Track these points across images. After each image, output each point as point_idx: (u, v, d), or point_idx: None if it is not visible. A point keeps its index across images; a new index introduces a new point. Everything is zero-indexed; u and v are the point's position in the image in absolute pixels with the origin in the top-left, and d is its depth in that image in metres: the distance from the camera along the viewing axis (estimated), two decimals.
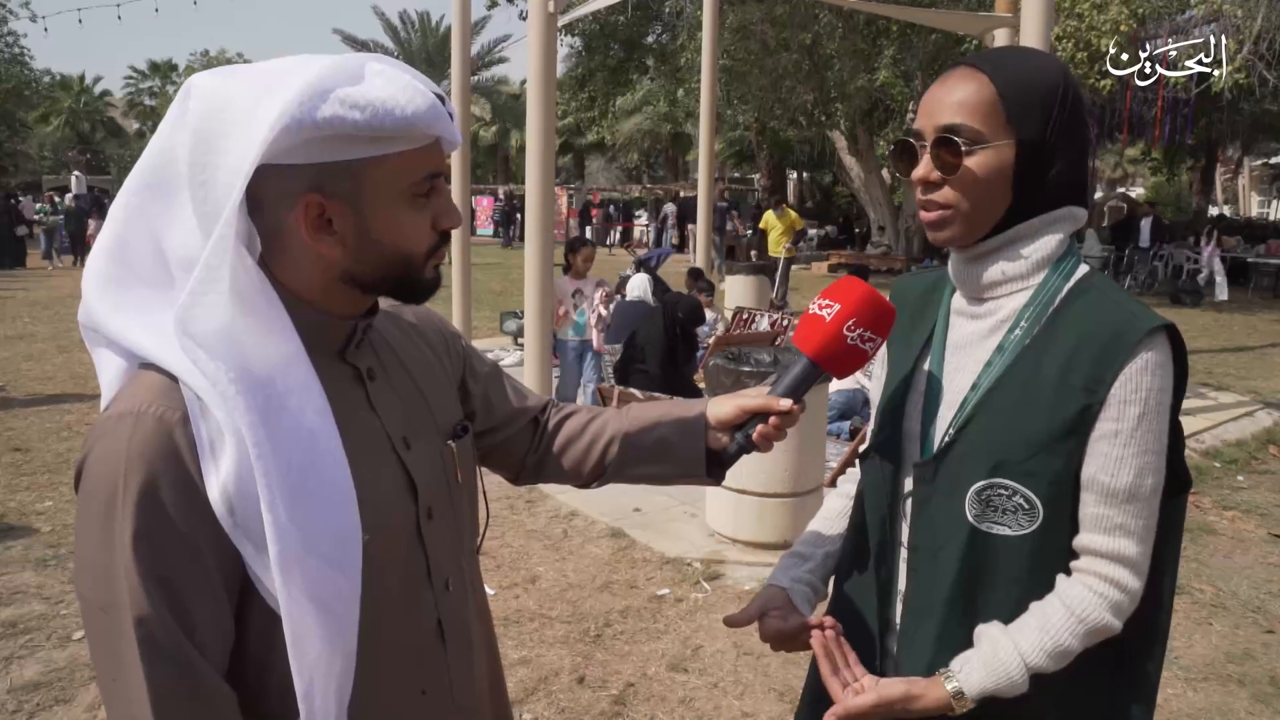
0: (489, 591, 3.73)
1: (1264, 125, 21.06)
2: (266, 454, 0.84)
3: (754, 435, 1.16)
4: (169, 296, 0.91)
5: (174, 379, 0.87)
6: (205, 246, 0.86)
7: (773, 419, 1.15)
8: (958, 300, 1.21)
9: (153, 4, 13.67)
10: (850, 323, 1.12)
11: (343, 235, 0.92)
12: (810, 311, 1.16)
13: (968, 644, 1.13)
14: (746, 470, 4.20)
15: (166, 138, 0.92)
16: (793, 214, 13.61)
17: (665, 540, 4.35)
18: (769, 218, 13.68)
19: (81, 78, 44.73)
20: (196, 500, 0.85)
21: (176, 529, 0.84)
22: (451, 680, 1.08)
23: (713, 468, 1.23)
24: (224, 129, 0.86)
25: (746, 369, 4.16)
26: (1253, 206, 37.17)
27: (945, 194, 1.11)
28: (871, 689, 1.11)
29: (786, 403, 1.14)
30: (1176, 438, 1.12)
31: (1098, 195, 35.94)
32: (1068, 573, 1.11)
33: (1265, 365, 9.18)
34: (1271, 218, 31.79)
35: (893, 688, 1.10)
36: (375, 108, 0.86)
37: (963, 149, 1.08)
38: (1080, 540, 1.10)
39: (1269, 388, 8.03)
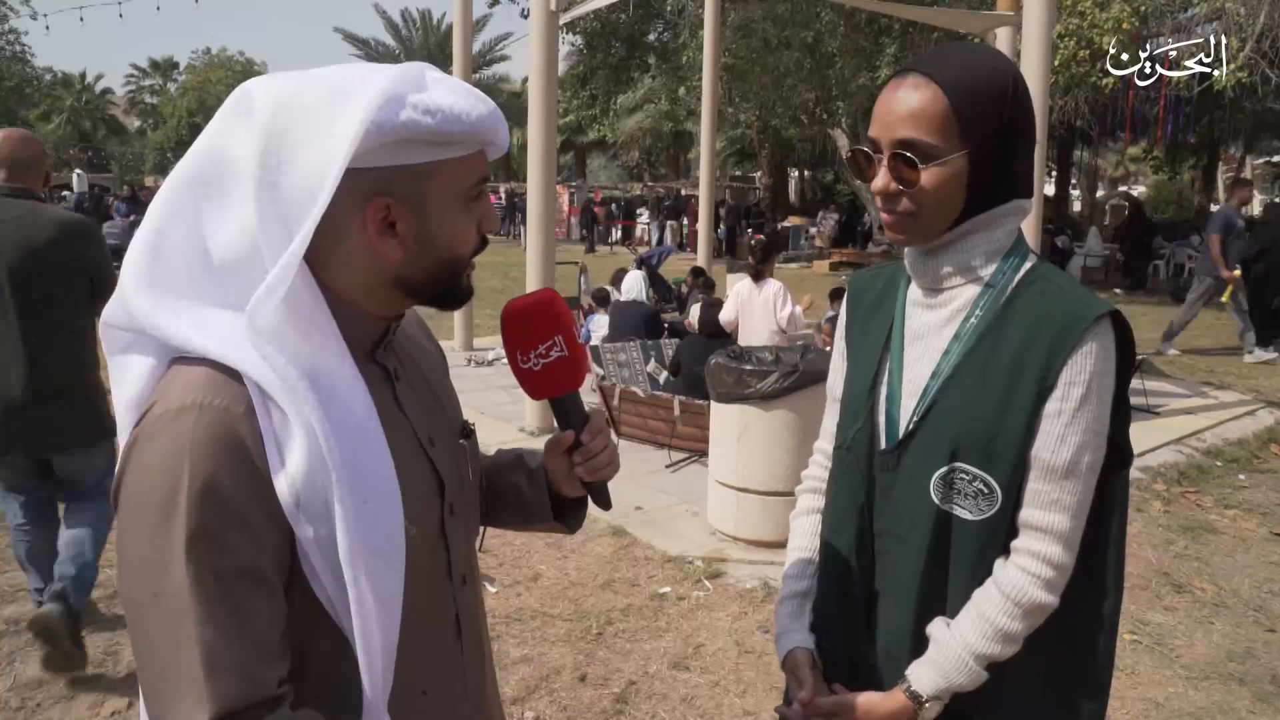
0: (490, 589, 3.74)
1: (1266, 124, 21.06)
2: (334, 448, 0.86)
3: (579, 474, 1.12)
4: (212, 295, 0.90)
5: (225, 372, 0.86)
6: (288, 245, 0.85)
7: (574, 455, 1.12)
8: (914, 291, 1.24)
9: (154, 2, 13.69)
10: (518, 354, 1.08)
11: (404, 238, 0.93)
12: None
13: None
14: (748, 469, 4.20)
15: (217, 135, 0.91)
16: None
17: (667, 538, 4.35)
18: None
19: (83, 75, 44.84)
20: (262, 492, 0.85)
21: (242, 520, 0.84)
22: (466, 674, 1.09)
23: (562, 514, 1.20)
24: (299, 132, 0.86)
25: (748, 367, 4.16)
26: (1255, 205, 37.11)
27: (904, 204, 1.14)
28: (837, 693, 1.20)
29: (569, 434, 1.11)
30: (1123, 417, 1.17)
31: (1099, 194, 35.92)
32: (1008, 554, 1.15)
33: (1266, 364, 9.17)
34: None
35: (852, 695, 1.18)
36: (444, 113, 0.88)
37: (919, 165, 1.10)
38: (1021, 516, 1.15)
39: (1270, 386, 8.02)
